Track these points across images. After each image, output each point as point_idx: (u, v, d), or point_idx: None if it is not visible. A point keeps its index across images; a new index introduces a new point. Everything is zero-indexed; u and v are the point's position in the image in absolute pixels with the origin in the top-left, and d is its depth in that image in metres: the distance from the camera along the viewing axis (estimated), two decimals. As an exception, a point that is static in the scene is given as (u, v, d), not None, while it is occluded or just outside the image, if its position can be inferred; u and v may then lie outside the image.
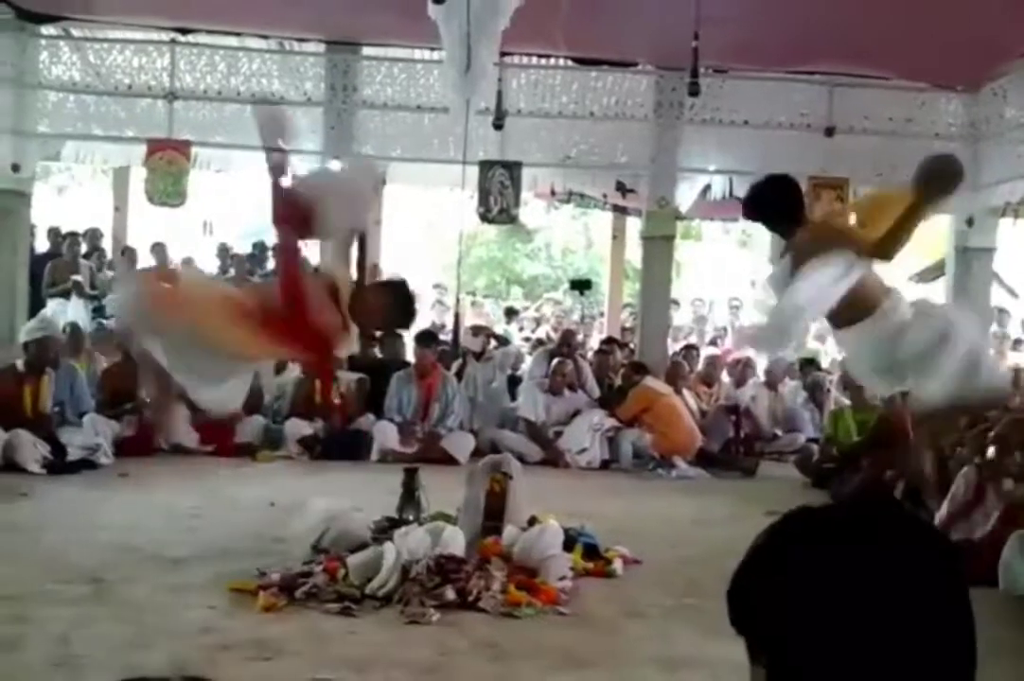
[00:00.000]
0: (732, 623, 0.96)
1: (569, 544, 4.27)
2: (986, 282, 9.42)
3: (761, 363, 10.00)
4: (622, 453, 7.68)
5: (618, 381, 8.48)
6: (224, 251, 10.73)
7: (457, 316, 8.42)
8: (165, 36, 8.45)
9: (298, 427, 7.48)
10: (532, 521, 4.39)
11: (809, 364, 9.58)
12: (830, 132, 8.70)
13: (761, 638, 0.94)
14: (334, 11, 7.55)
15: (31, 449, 6.34)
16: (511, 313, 13.02)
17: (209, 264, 10.86)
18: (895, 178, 9.03)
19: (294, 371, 7.98)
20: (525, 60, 8.68)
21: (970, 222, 8.90)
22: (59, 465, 6.35)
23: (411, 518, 4.46)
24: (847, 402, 8.20)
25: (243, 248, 11.07)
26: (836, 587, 0.90)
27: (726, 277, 19.20)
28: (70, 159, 9.09)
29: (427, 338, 7.99)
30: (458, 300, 8.94)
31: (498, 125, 6.79)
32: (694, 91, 4.91)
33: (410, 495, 4.58)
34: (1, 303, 8.39)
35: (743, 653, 0.93)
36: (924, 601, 0.90)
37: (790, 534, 0.96)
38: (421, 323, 10.42)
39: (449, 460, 7.23)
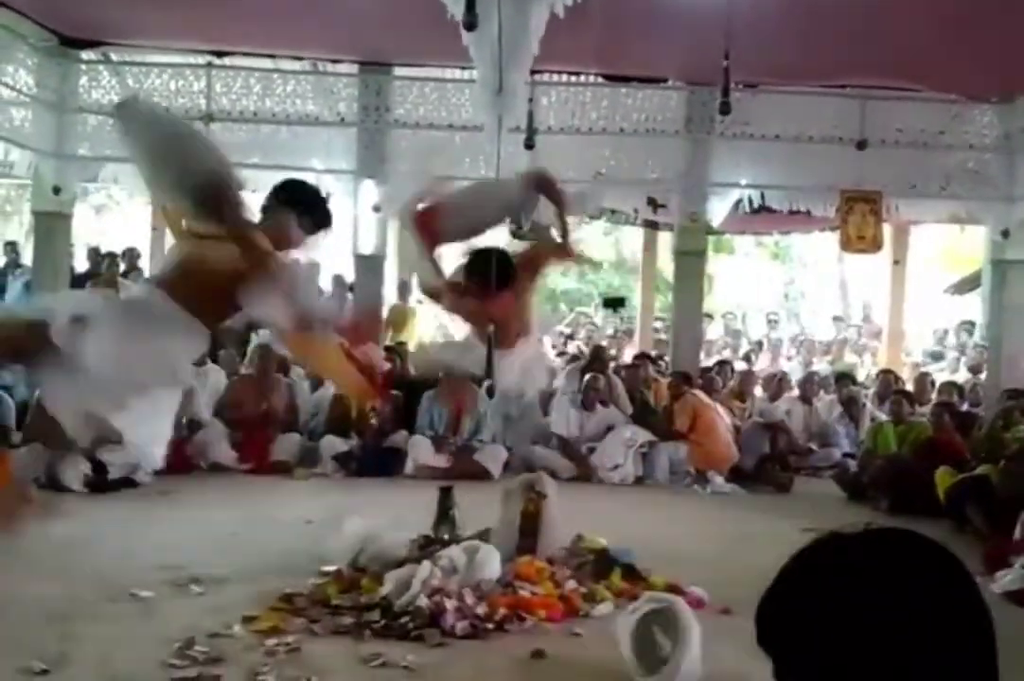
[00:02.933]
0: (759, 643, 0.98)
1: (607, 566, 4.28)
2: (1022, 294, 9.32)
3: (796, 376, 9.96)
4: (658, 467, 7.67)
5: (650, 396, 8.48)
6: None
7: (490, 336, 8.44)
8: (201, 59, 8.60)
9: (333, 444, 7.55)
10: (579, 539, 4.45)
11: (844, 378, 9.52)
12: (862, 145, 8.66)
13: (787, 660, 0.96)
14: (367, 32, 7.65)
15: (73, 468, 6.45)
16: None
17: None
18: (928, 190, 9.02)
19: (330, 389, 8.06)
20: (555, 78, 8.74)
21: (1005, 234, 8.82)
22: (101, 484, 6.45)
23: (446, 536, 4.48)
24: (883, 416, 8.14)
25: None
26: (861, 613, 0.92)
27: (759, 290, 19.13)
28: (109, 180, 9.24)
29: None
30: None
31: (529, 145, 6.84)
32: (725, 110, 4.92)
33: (445, 514, 4.61)
34: (43, 323, 8.55)
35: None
36: (946, 627, 0.92)
37: (818, 559, 0.98)
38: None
39: (483, 473, 7.28)
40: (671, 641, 3.20)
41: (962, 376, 10.39)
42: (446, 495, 4.65)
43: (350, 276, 9.50)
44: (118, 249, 10.54)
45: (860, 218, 8.82)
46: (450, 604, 3.71)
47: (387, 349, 8.73)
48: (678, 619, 3.23)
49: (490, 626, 3.68)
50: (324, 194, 4.19)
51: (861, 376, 10.82)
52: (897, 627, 0.91)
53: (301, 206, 3.57)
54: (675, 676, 3.13)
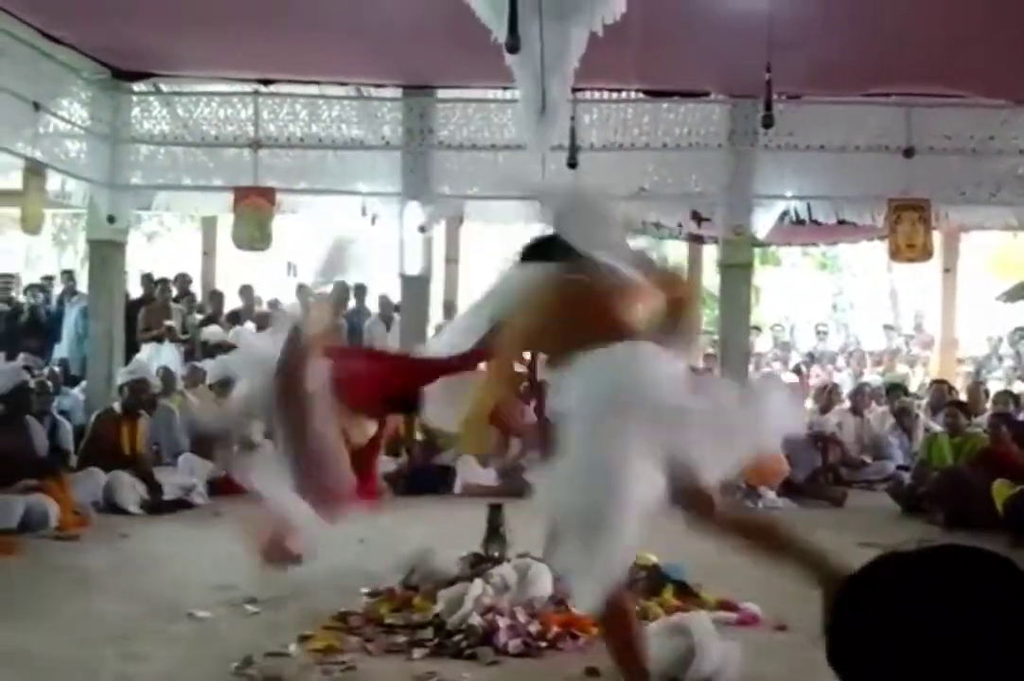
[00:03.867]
0: (829, 660, 0.98)
1: (659, 583, 4.25)
2: (1078, 300, 9.14)
3: (846, 389, 9.83)
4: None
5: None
6: (304, 291, 10.97)
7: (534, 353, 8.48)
8: (248, 88, 8.78)
9: (382, 463, 7.60)
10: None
11: (896, 389, 9.39)
12: (909, 153, 8.58)
13: (858, 677, 0.96)
14: (409, 56, 7.76)
15: (130, 490, 6.58)
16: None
17: (292, 304, 11.13)
18: (979, 197, 8.88)
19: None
20: (596, 95, 8.78)
21: (1059, 239, 8.67)
22: (156, 505, 6.57)
23: (496, 554, 4.49)
24: (937, 427, 8.01)
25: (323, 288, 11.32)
26: (927, 628, 0.92)
27: (806, 301, 18.94)
28: (161, 208, 9.46)
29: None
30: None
31: (572, 164, 6.88)
32: (768, 123, 4.92)
33: (495, 531, 4.62)
34: (99, 348, 8.75)
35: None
36: (1013, 640, 0.91)
37: (882, 576, 0.98)
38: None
39: (531, 492, 7.27)
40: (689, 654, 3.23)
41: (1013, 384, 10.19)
42: (496, 513, 4.66)
43: (396, 297, 9.58)
44: (170, 275, 10.75)
45: (909, 227, 8.71)
46: (503, 622, 3.72)
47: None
48: (689, 631, 3.26)
49: (543, 644, 3.68)
50: None
51: (913, 386, 10.65)
52: (963, 641, 0.90)
53: None
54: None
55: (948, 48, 7.06)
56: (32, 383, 7.07)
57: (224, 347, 9.39)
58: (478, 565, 4.33)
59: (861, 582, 0.99)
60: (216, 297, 10.67)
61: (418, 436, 7.82)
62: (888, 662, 0.93)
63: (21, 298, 11.17)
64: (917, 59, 7.35)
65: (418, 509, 6.78)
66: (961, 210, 9.07)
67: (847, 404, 9.01)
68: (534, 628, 3.72)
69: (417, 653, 3.59)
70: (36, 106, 7.32)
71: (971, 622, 0.91)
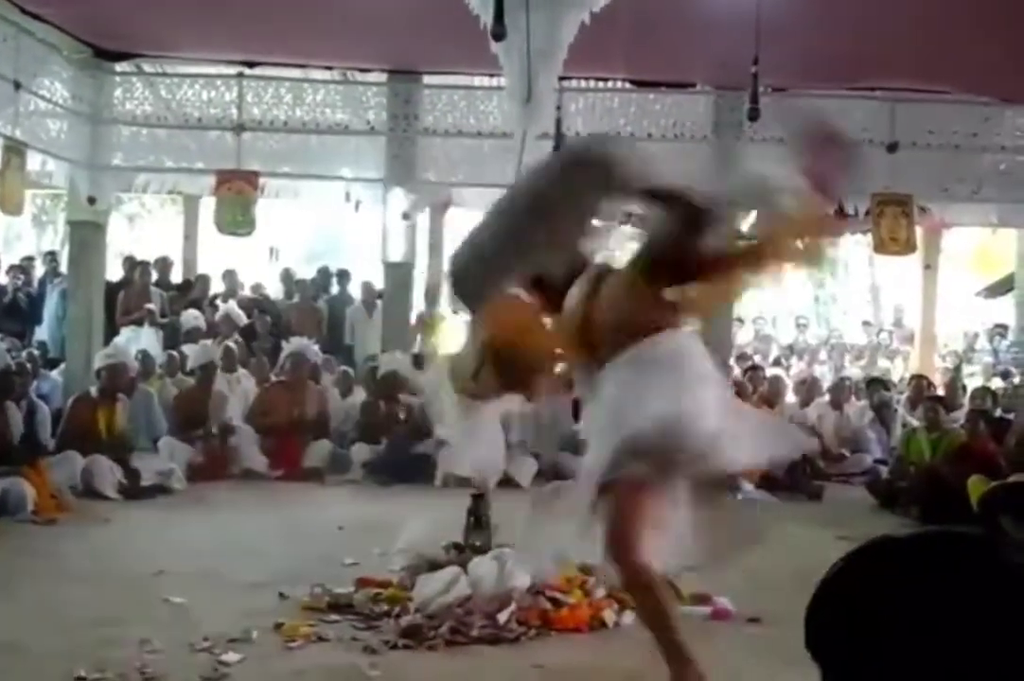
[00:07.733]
0: (808, 647, 0.97)
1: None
2: (1058, 297, 9.22)
3: (826, 382, 9.88)
4: (686, 474, 7.63)
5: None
6: (288, 276, 10.94)
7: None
8: (232, 70, 8.69)
9: (363, 452, 7.59)
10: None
11: (876, 383, 9.44)
12: (893, 148, 8.60)
13: (838, 667, 0.95)
14: (396, 41, 7.71)
15: (108, 475, 6.54)
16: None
17: (274, 289, 11.08)
18: (961, 192, 8.92)
19: (360, 395, 8.12)
20: (583, 84, 8.74)
21: (1040, 236, 8.73)
22: (134, 490, 6.53)
23: (478, 544, 4.49)
24: (915, 422, 8.07)
25: (307, 273, 11.29)
26: (917, 618, 0.91)
27: (788, 294, 19.00)
28: (142, 190, 9.36)
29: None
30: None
31: (557, 153, 6.85)
32: (754, 116, 4.93)
33: (477, 521, 4.61)
34: (78, 331, 8.67)
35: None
36: (1005, 635, 0.90)
37: (871, 562, 0.97)
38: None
39: (512, 484, 7.27)
40: None
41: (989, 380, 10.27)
42: (478, 503, 4.66)
43: (379, 284, 9.55)
44: (151, 258, 10.64)
45: (892, 220, 8.75)
46: (479, 612, 3.72)
47: (416, 357, 8.77)
48: None
49: (519, 634, 3.68)
50: None
51: (895, 381, 10.72)
52: (957, 632, 0.89)
53: None
54: None
55: (933, 45, 7.08)
56: (12, 366, 7.00)
57: (202, 331, 9.32)
58: (458, 554, 4.33)
59: (846, 567, 0.98)
60: (202, 280, 10.59)
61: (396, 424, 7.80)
62: (870, 648, 0.92)
63: (2, 279, 11.06)
64: (902, 55, 7.36)
65: (399, 497, 6.78)
66: (943, 206, 9.11)
67: (827, 397, 9.05)
68: (511, 618, 3.73)
69: (393, 642, 3.59)
70: (16, 85, 7.21)
71: (958, 609, 0.90)
